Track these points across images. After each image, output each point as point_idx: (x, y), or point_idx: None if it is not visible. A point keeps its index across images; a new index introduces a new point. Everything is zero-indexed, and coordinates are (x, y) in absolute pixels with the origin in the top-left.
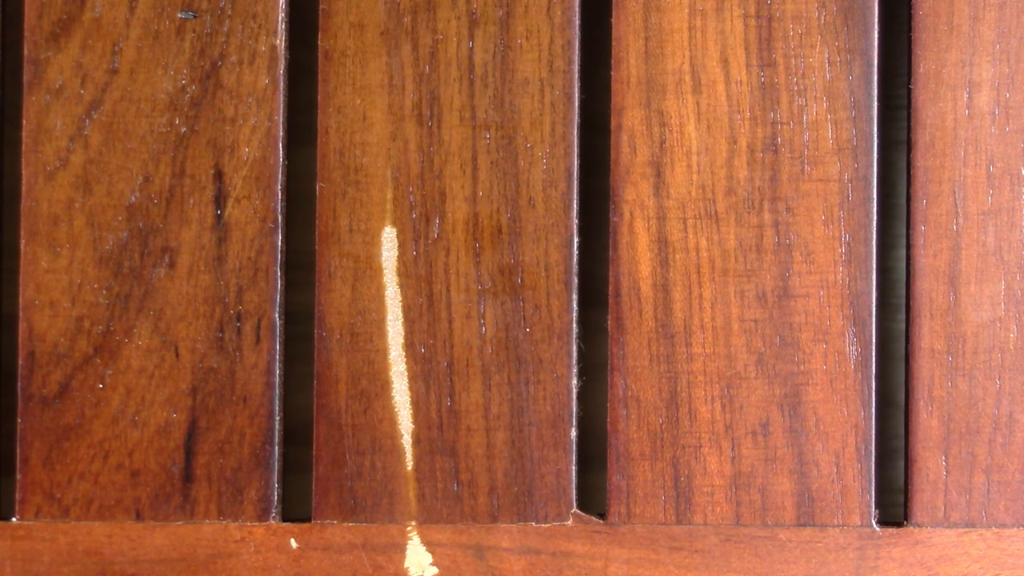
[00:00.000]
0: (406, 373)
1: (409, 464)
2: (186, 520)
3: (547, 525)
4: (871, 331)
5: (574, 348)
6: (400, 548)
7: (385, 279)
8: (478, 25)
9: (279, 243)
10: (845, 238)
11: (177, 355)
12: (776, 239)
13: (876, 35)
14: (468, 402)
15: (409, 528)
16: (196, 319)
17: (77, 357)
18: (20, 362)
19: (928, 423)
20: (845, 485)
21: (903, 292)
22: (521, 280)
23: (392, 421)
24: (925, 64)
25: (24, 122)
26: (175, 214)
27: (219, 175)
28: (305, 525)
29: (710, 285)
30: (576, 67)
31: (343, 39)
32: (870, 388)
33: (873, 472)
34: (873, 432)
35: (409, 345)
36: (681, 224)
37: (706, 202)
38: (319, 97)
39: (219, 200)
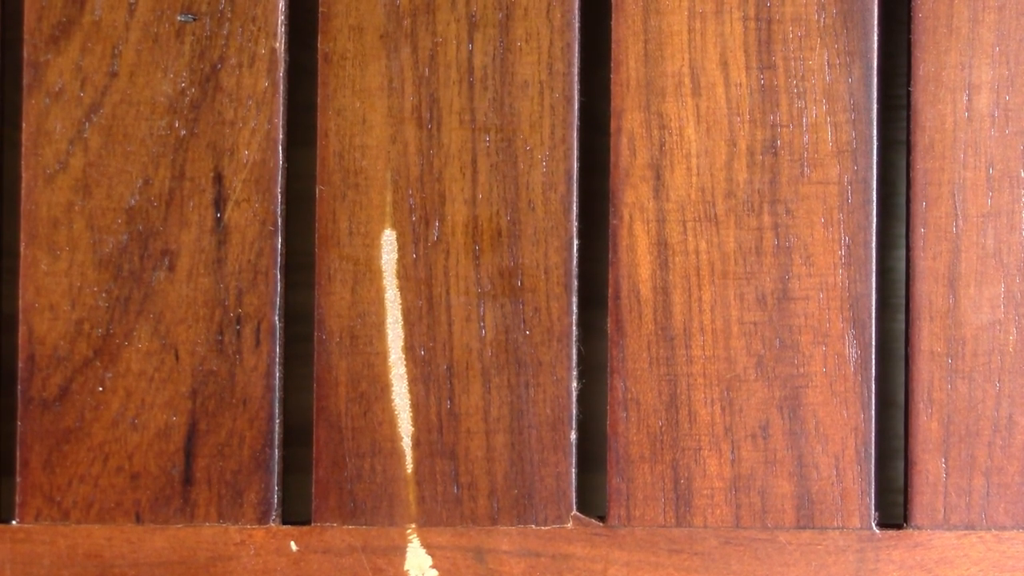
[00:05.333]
0: (406, 376)
1: (409, 467)
2: (186, 523)
3: (547, 528)
4: (871, 333)
5: (574, 350)
6: (400, 551)
7: (385, 282)
8: (477, 28)
9: (279, 246)
10: (845, 240)
11: (177, 358)
12: (776, 241)
13: (876, 38)
14: (468, 405)
15: (409, 531)
16: (196, 322)
17: (77, 360)
18: (20, 365)
19: (928, 425)
20: (845, 488)
21: (904, 292)
22: (521, 283)
23: (392, 424)
24: (924, 66)
25: (24, 125)
26: (175, 217)
27: (219, 178)
28: (305, 528)
29: (710, 287)
30: (576, 70)
31: (343, 42)
32: (870, 390)
33: (873, 474)
34: (873, 435)
35: (409, 348)
36: (681, 227)
37: (706, 204)
38: (319, 100)
39: (219, 203)
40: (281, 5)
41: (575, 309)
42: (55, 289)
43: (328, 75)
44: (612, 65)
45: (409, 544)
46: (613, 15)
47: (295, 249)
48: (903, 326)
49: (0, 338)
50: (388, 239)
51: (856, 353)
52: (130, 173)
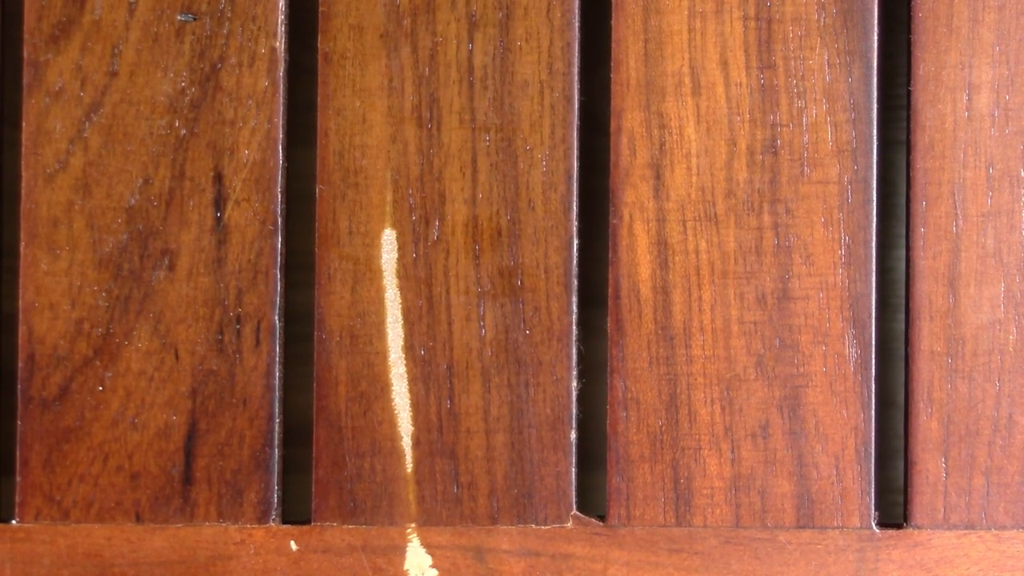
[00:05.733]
0: (406, 375)
1: (409, 466)
2: (186, 522)
3: (547, 527)
4: (871, 333)
5: (574, 350)
6: (400, 550)
7: (385, 281)
8: (477, 27)
9: (278, 245)
10: (845, 240)
11: (177, 357)
12: (776, 241)
13: (876, 37)
14: (468, 404)
15: (409, 530)
16: (196, 321)
17: (77, 359)
18: (20, 364)
19: (928, 425)
20: (845, 487)
21: (904, 292)
22: (521, 282)
23: (392, 423)
24: (924, 66)
25: (24, 124)
26: (175, 216)
27: (219, 177)
28: (305, 527)
29: (710, 287)
30: (576, 69)
31: (343, 41)
32: (870, 390)
33: (873, 474)
34: (873, 434)
35: (409, 347)
36: (681, 226)
37: (706, 204)
38: (319, 99)
39: (219, 202)
40: (281, 5)
41: (575, 309)
42: (55, 289)
43: (328, 75)
44: (612, 65)
45: (409, 544)
46: (613, 15)
47: (295, 249)
48: (903, 326)
49: (0, 338)
50: (388, 239)
51: (856, 353)
52: (130, 173)
